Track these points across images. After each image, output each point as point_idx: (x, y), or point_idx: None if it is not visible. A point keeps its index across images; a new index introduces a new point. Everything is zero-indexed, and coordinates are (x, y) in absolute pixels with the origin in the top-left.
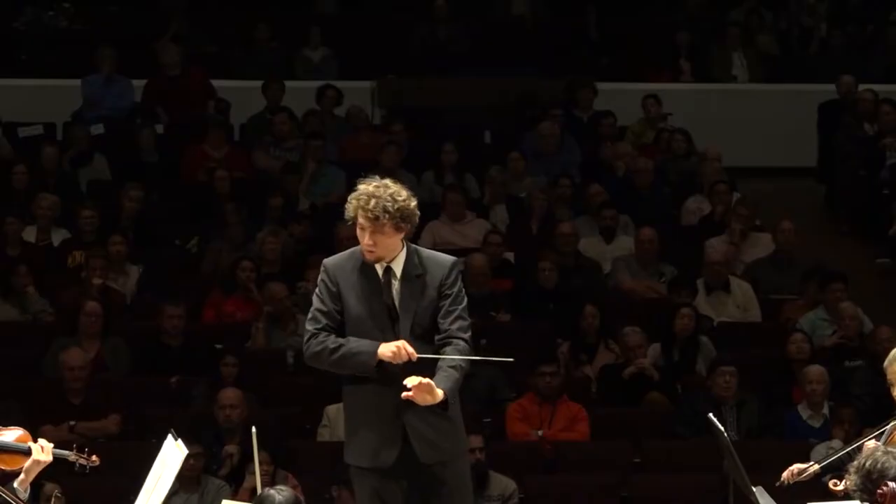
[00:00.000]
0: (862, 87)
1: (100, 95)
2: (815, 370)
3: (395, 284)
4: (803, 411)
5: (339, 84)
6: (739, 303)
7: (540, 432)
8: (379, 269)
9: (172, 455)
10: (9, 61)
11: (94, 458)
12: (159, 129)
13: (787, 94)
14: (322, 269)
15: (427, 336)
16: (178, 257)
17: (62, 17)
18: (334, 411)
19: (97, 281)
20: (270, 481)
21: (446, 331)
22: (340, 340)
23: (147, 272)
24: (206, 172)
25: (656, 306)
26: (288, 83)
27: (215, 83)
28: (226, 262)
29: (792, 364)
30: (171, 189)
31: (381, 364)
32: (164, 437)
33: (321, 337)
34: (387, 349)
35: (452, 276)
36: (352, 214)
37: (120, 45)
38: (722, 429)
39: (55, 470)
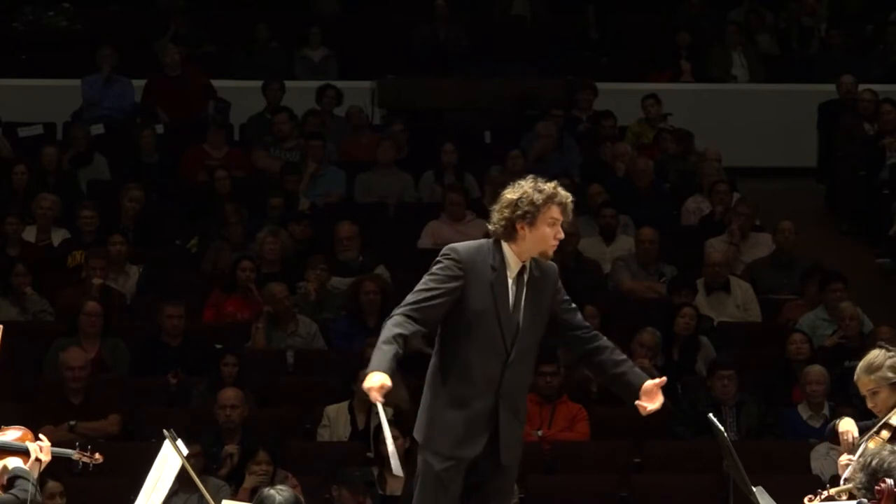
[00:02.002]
0: (862, 86)
1: (100, 95)
2: (815, 370)
3: (524, 285)
4: (803, 411)
5: (339, 84)
6: (739, 303)
7: (540, 432)
8: (515, 267)
9: (172, 455)
10: (9, 61)
11: (97, 455)
12: (159, 129)
13: (787, 94)
14: (450, 252)
15: (534, 331)
16: (179, 257)
17: (62, 17)
18: (334, 411)
19: (97, 281)
20: (270, 481)
21: (586, 326)
22: (395, 332)
23: (147, 272)
24: (206, 172)
25: (656, 306)
26: (288, 83)
27: (215, 83)
28: (226, 262)
29: (792, 364)
30: (171, 189)
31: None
32: (164, 438)
33: (396, 319)
34: (368, 384)
35: (559, 280)
36: (547, 211)
37: (120, 45)
38: (722, 429)
39: (56, 469)
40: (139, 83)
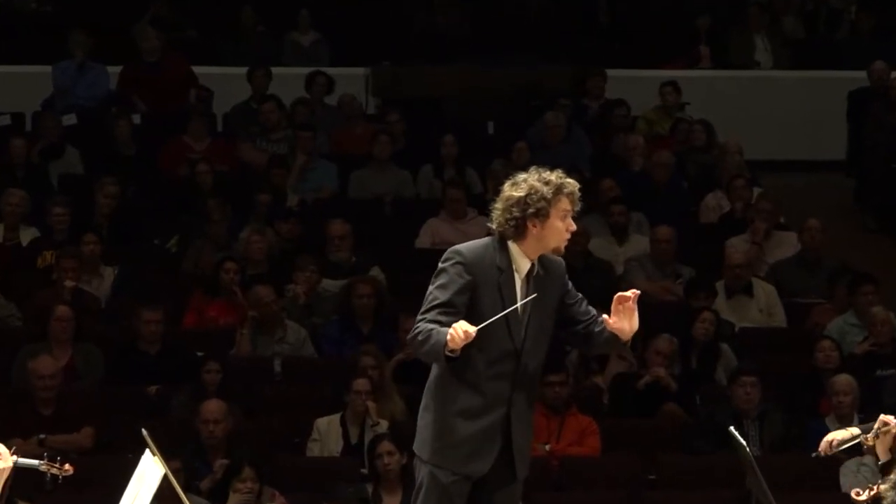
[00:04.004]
0: (894, 73)
1: (72, 83)
2: (843, 380)
3: (531, 285)
4: (831, 424)
5: (330, 71)
6: (763, 307)
7: (547, 446)
8: (524, 267)
9: (151, 471)
10: None
11: (66, 466)
12: (136, 119)
13: (814, 82)
14: (456, 256)
15: (543, 335)
16: (157, 257)
17: (31, 0)
18: (325, 424)
19: (69, 283)
20: (256, 500)
21: (589, 317)
22: (431, 327)
23: (123, 273)
24: (187, 166)
25: (673, 310)
26: (275, 70)
27: (197, 70)
28: (208, 262)
29: (819, 373)
30: (149, 184)
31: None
32: (142, 452)
33: (421, 325)
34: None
35: (566, 276)
36: (558, 204)
37: (94, 29)
38: (743, 442)
39: (25, 484)
40: (115, 70)
